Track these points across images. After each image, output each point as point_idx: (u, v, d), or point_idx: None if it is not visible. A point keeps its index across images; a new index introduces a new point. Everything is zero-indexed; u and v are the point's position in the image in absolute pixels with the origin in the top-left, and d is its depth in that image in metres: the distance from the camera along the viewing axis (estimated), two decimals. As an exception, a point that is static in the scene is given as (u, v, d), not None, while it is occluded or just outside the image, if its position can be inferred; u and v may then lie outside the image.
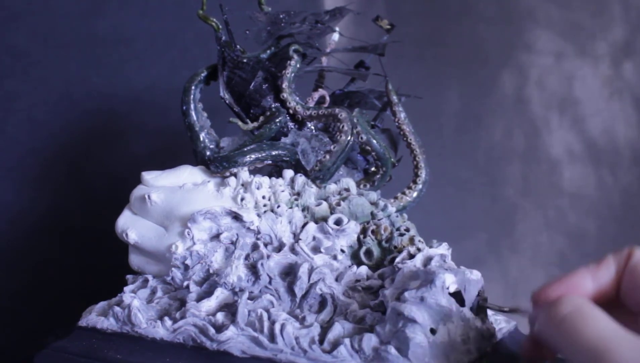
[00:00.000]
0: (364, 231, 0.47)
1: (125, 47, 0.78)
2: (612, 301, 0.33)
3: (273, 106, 0.54)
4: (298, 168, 0.52)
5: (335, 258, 0.47)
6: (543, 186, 1.03)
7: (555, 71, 1.04)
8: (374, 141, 0.52)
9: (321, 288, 0.44)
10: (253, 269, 0.46)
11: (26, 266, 0.74)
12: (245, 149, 0.51)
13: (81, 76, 0.77)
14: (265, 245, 0.47)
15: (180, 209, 0.49)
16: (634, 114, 1.06)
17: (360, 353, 0.39)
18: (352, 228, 0.47)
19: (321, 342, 0.41)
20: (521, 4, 1.03)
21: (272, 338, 0.41)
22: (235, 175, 0.51)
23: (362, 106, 0.58)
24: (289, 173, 0.51)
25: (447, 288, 0.39)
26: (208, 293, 0.46)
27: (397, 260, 0.45)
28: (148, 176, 0.52)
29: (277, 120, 0.53)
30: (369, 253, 0.47)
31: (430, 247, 0.47)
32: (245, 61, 0.54)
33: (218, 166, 0.51)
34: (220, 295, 0.46)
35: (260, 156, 0.51)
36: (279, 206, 0.48)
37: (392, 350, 0.38)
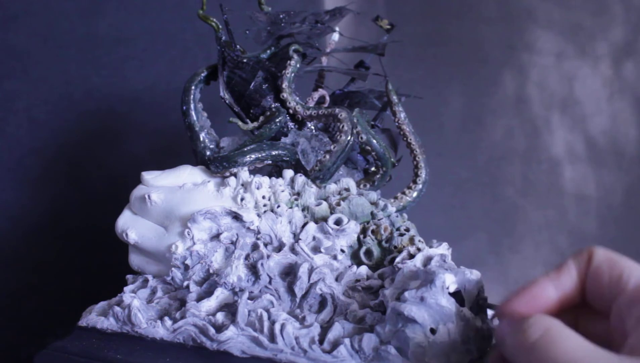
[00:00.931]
0: (364, 231, 0.47)
1: (125, 47, 0.78)
2: (577, 305, 0.33)
3: (273, 106, 0.54)
4: (298, 168, 0.52)
5: (335, 258, 0.47)
6: (543, 186, 1.03)
7: (556, 71, 1.04)
8: (374, 141, 0.52)
9: (321, 288, 0.44)
10: (253, 269, 0.46)
11: (26, 266, 0.74)
12: (245, 149, 0.51)
13: (81, 76, 0.77)
14: (265, 245, 0.47)
15: (180, 209, 0.49)
16: (634, 114, 1.06)
17: (360, 353, 0.39)
18: (352, 228, 0.47)
19: (321, 342, 0.41)
20: (521, 4, 1.03)
21: (272, 338, 0.41)
22: (235, 175, 0.51)
23: (362, 106, 0.58)
24: (289, 173, 0.51)
25: (447, 288, 0.39)
26: (208, 293, 0.46)
27: (397, 260, 0.45)
28: (148, 176, 0.52)
29: (277, 120, 0.53)
30: (369, 253, 0.47)
31: (430, 247, 0.47)
32: (245, 61, 0.54)
33: (218, 166, 0.51)
34: (220, 295, 0.46)
35: (260, 156, 0.51)
36: (279, 206, 0.48)
37: (392, 350, 0.38)
